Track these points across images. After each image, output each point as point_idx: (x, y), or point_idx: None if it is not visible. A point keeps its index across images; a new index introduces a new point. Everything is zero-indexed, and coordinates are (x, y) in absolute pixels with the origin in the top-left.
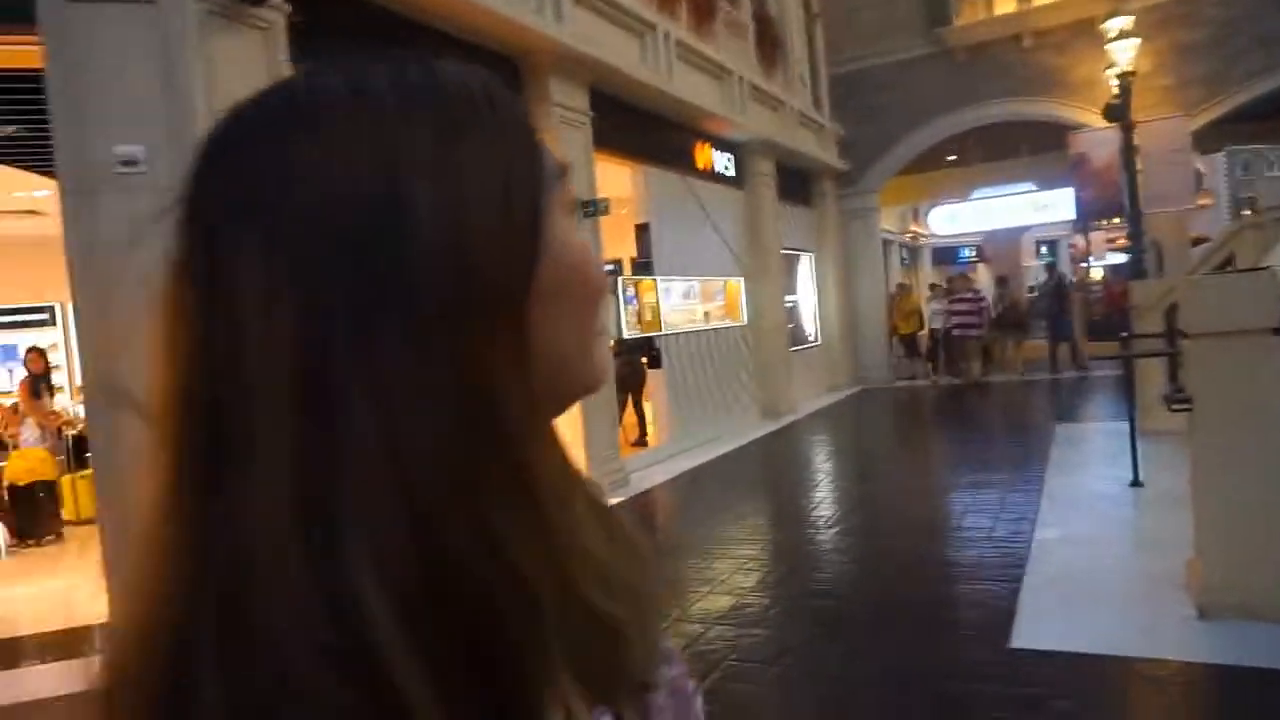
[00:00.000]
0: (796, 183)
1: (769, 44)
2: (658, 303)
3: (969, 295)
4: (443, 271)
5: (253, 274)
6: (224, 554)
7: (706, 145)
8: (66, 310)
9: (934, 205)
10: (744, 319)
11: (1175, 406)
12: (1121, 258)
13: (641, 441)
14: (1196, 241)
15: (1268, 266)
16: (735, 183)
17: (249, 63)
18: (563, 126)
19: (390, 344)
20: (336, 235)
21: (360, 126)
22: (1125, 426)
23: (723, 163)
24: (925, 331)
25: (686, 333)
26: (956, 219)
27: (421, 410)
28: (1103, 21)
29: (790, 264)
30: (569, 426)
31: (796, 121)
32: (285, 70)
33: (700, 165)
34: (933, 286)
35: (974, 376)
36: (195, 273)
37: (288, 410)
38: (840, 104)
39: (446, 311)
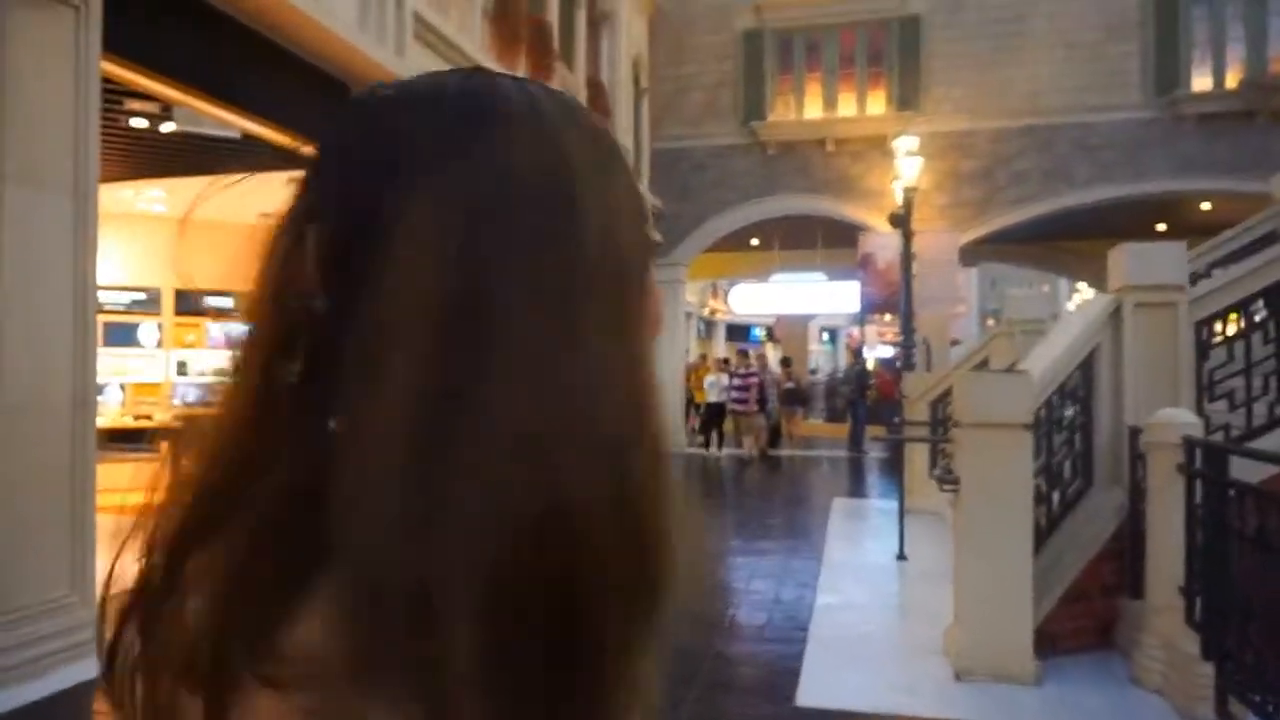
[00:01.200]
0: None
1: (598, 110)
2: None
3: (743, 372)
4: (598, 267)
5: (425, 226)
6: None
7: None
8: None
9: (734, 283)
10: None
11: (946, 486)
12: (890, 350)
13: None
14: (952, 344)
15: (1024, 371)
16: None
17: (53, 45)
18: None
19: (544, 309)
20: (516, 210)
21: (540, 134)
22: (893, 504)
23: None
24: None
25: None
26: (754, 298)
27: (575, 372)
28: (894, 139)
29: None
30: None
31: None
32: (95, 58)
33: None
34: (719, 361)
35: (755, 449)
36: (346, 213)
37: (428, 346)
38: (659, 178)
39: (597, 294)
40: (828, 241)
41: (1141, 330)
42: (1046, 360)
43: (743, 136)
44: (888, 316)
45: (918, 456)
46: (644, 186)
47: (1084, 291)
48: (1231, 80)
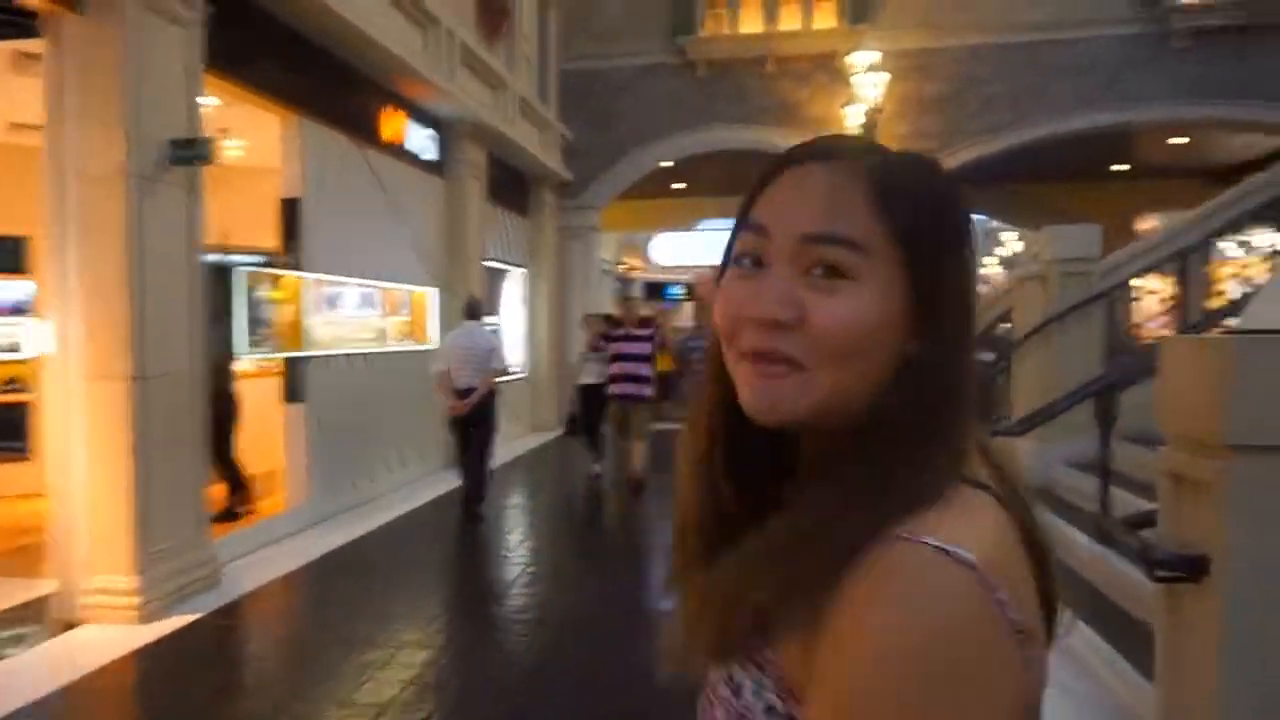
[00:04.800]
0: (512, 184)
1: (494, 9)
2: (302, 311)
3: (628, 333)
4: None
5: (961, 254)
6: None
7: (399, 112)
8: None
9: (653, 236)
10: (433, 340)
11: (1163, 574)
12: None
13: (238, 512)
14: None
15: None
16: (435, 168)
17: None
18: (149, 18)
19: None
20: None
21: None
22: None
23: (420, 140)
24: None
25: (348, 354)
26: (678, 250)
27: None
28: (845, 56)
29: (496, 279)
30: (117, 496)
31: (518, 109)
32: None
33: (388, 136)
34: (587, 319)
35: (636, 468)
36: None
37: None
38: (568, 103)
39: None
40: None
41: None
42: None
43: (669, 55)
44: None
45: None
46: (551, 113)
47: (1011, 243)
48: None
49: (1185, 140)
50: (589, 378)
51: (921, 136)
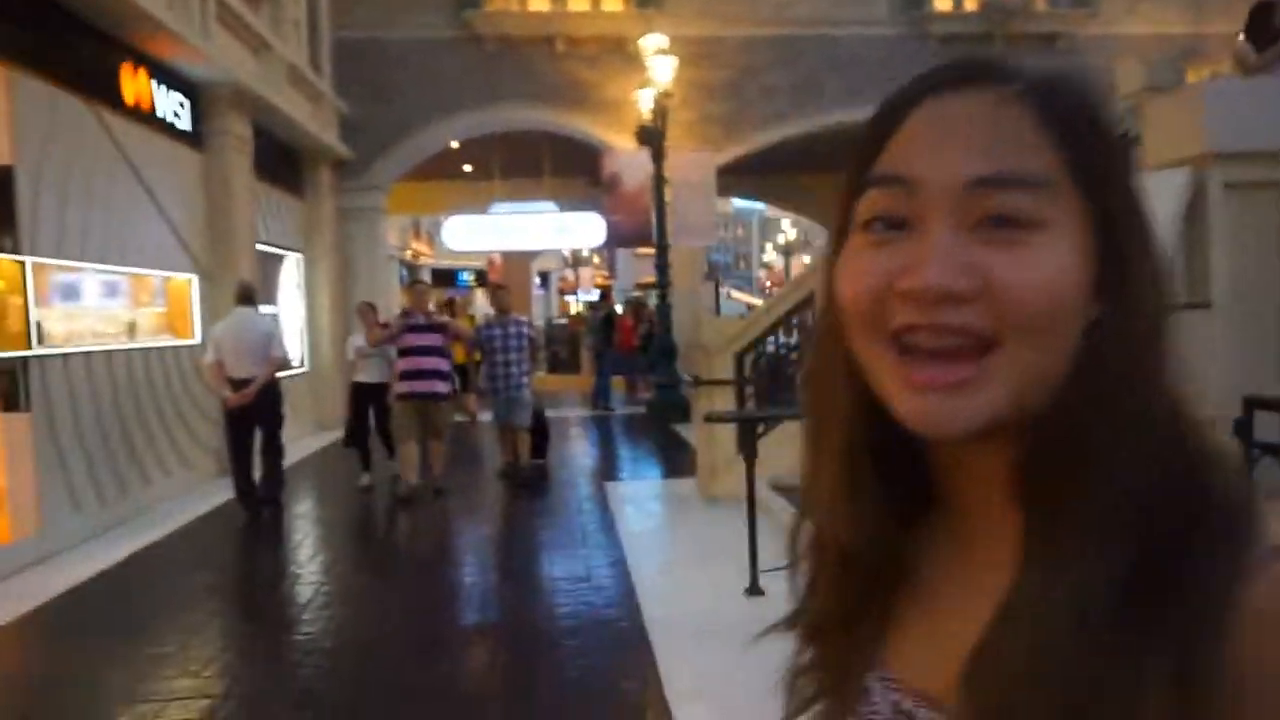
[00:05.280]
0: (284, 162)
1: None
2: (27, 303)
3: (429, 322)
4: None
5: (1139, 190)
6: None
7: (143, 71)
8: None
9: (443, 220)
10: (197, 335)
11: None
12: (595, 295)
13: None
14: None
15: None
16: (191, 139)
17: None
18: None
19: None
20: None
21: None
22: (686, 486)
23: (170, 105)
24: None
25: (91, 352)
26: (470, 234)
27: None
28: (636, 40)
29: (270, 265)
30: None
31: (285, 76)
32: None
33: (130, 99)
34: (363, 307)
35: (435, 472)
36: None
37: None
38: (345, 76)
39: None
40: (557, 169)
41: (1239, 227)
42: None
43: (454, 28)
44: (597, 259)
45: (722, 433)
46: (325, 84)
47: (787, 232)
48: (972, 1)
49: None
50: (368, 375)
51: (708, 122)
